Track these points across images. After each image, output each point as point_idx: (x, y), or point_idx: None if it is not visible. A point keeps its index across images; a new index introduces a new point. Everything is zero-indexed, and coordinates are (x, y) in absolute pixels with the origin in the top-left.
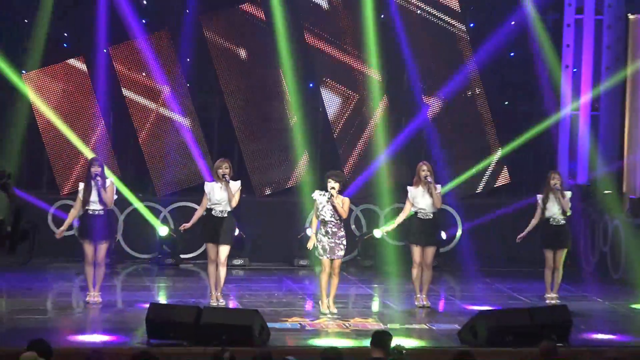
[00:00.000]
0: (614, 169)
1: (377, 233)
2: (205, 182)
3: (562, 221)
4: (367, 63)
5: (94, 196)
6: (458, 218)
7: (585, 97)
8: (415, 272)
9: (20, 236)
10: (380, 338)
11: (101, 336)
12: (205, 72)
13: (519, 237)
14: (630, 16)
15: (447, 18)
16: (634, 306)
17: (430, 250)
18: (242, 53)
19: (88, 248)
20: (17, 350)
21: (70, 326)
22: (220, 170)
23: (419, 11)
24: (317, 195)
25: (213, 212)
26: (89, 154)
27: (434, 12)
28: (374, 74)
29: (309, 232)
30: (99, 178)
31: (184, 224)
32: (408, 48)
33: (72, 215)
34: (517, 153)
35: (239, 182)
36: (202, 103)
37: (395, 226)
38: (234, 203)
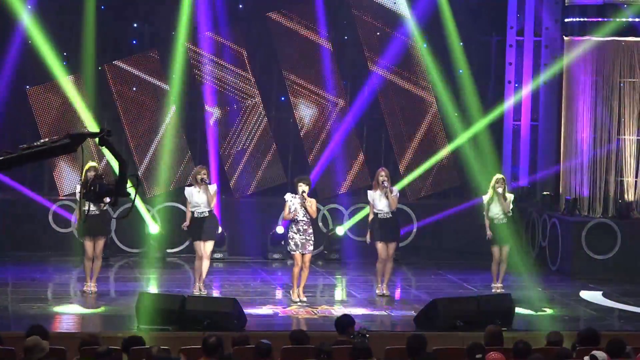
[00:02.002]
0: (552, 173)
1: (339, 231)
2: (185, 188)
3: (504, 220)
4: (334, 79)
5: None
6: (413, 216)
7: (526, 109)
8: (380, 265)
9: (122, 190)
10: (344, 323)
11: (96, 321)
12: (190, 89)
13: (488, 234)
14: (565, 38)
15: (404, 38)
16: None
17: (392, 245)
18: (221, 72)
19: (88, 245)
20: (20, 335)
21: (68, 313)
22: (199, 176)
23: (378, 33)
24: (289, 197)
25: (195, 214)
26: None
27: (393, 32)
28: (340, 89)
29: (278, 229)
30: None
31: (185, 223)
32: (370, 64)
33: (80, 211)
34: (465, 159)
35: (215, 185)
36: (187, 117)
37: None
38: (213, 203)
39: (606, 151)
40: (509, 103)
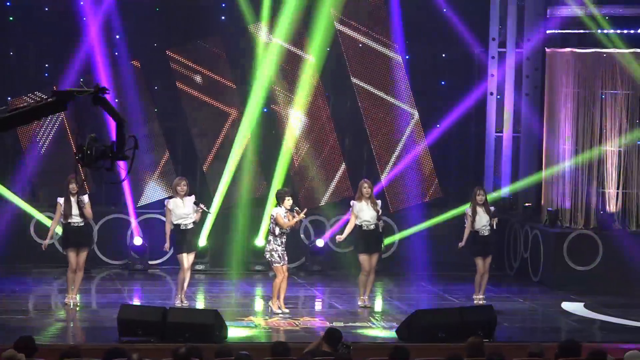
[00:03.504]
0: (533, 184)
1: (320, 242)
2: (167, 200)
3: (487, 232)
4: (317, 90)
5: (75, 210)
6: (395, 227)
7: (508, 120)
8: (363, 277)
9: (121, 153)
10: (331, 335)
11: (77, 333)
12: (171, 99)
13: (460, 245)
14: (547, 49)
15: (385, 50)
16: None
17: (375, 257)
18: (203, 82)
19: (72, 256)
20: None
21: (50, 325)
22: (179, 187)
23: (360, 45)
24: (280, 211)
25: (182, 227)
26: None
27: (374, 45)
28: (322, 100)
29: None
30: (81, 196)
31: (166, 245)
32: (353, 76)
33: (53, 227)
34: (447, 170)
35: (193, 197)
36: (168, 127)
37: (344, 237)
38: (197, 217)
39: (588, 163)
40: (490, 114)
